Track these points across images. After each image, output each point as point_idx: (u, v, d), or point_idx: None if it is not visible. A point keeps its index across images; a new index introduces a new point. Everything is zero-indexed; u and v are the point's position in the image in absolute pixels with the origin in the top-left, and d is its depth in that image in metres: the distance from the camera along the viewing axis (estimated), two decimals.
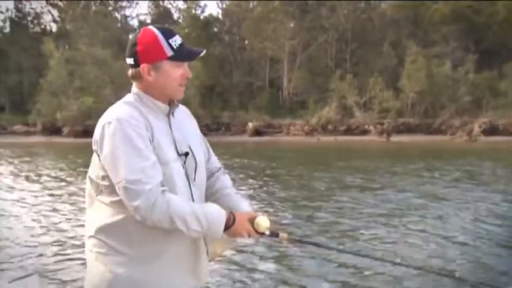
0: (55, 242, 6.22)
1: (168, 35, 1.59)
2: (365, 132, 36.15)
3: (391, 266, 4.70)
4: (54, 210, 8.40)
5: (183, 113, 1.79)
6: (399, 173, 14.13)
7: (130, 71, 1.63)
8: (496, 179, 13.02)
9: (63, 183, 11.79)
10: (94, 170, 1.60)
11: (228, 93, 41.14)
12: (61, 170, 14.95)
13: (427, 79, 35.59)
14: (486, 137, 32.99)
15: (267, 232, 1.61)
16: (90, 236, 1.62)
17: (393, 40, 40.28)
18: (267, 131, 36.94)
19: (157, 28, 1.61)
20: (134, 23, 48.10)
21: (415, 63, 35.89)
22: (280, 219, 7.69)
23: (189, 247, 1.64)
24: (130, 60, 1.60)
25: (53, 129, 34.12)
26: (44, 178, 12.98)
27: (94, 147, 1.57)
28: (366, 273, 4.82)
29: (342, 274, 4.84)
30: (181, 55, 1.61)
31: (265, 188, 11.22)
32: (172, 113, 1.68)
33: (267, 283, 4.69)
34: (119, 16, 46.41)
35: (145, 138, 1.52)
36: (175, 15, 48.80)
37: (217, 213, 1.54)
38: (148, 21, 48.59)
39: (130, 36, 1.63)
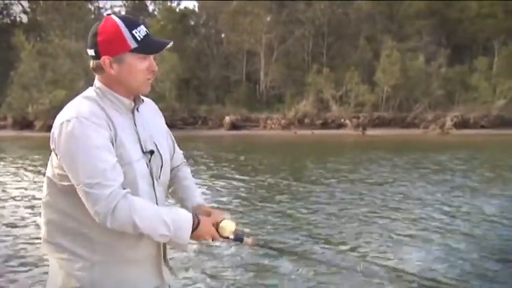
0: None
1: (131, 25, 1.48)
2: (341, 125, 36.55)
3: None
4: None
5: (149, 107, 1.69)
6: (373, 167, 14.37)
7: (91, 63, 1.53)
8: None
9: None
10: (51, 169, 1.51)
11: (205, 86, 40.88)
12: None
13: (401, 73, 36.19)
14: (458, 130, 33.84)
15: (232, 236, 1.57)
16: (48, 241, 1.54)
17: (369, 34, 40.76)
18: (244, 125, 36.92)
19: (120, 18, 1.50)
20: None
21: (390, 57, 36.43)
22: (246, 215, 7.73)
23: (154, 250, 1.60)
24: (91, 52, 1.51)
25: (24, 123, 33.27)
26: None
27: (52, 146, 1.47)
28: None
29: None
30: (145, 47, 1.49)
31: (233, 183, 11.23)
32: (137, 109, 1.59)
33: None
34: (92, 7, 45.44)
35: (106, 137, 1.44)
36: (151, 8, 48.16)
37: (184, 217, 1.48)
38: (123, 13, 47.74)
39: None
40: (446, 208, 8.03)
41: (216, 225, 1.56)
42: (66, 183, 1.46)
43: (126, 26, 1.48)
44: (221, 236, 1.56)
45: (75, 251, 1.50)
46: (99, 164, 1.39)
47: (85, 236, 1.49)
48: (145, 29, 1.51)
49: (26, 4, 43.63)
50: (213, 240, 1.57)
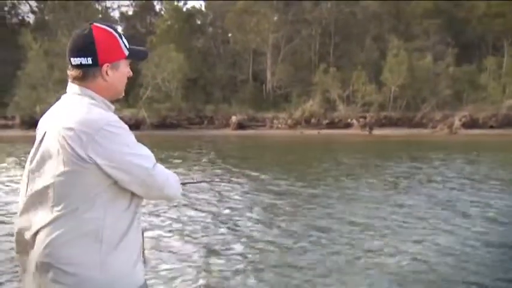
0: None
1: (119, 34, 1.59)
2: (348, 125, 36.40)
3: None
4: None
5: None
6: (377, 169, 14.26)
7: (79, 72, 1.52)
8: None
9: None
10: (83, 180, 1.44)
11: (211, 86, 40.90)
12: None
13: (408, 73, 35.99)
14: (466, 130, 33.57)
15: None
16: (47, 255, 1.44)
17: (375, 34, 40.54)
18: (251, 125, 36.89)
19: (107, 26, 1.58)
20: (115, 14, 47.36)
21: (397, 56, 36.23)
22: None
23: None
24: (86, 60, 1.51)
25: (32, 123, 33.46)
26: None
27: (81, 153, 1.41)
28: None
29: None
30: (135, 55, 1.64)
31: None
32: None
33: None
34: (99, 7, 45.57)
35: None
36: (158, 7, 48.21)
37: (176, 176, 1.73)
38: (130, 13, 47.89)
39: (77, 34, 1.54)
40: (455, 206, 7.95)
41: None
42: (109, 191, 1.49)
43: (117, 34, 1.58)
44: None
45: (83, 258, 1.45)
46: (147, 150, 1.57)
47: (94, 240, 1.46)
48: (125, 38, 1.63)
49: (33, 4, 43.92)
50: None
